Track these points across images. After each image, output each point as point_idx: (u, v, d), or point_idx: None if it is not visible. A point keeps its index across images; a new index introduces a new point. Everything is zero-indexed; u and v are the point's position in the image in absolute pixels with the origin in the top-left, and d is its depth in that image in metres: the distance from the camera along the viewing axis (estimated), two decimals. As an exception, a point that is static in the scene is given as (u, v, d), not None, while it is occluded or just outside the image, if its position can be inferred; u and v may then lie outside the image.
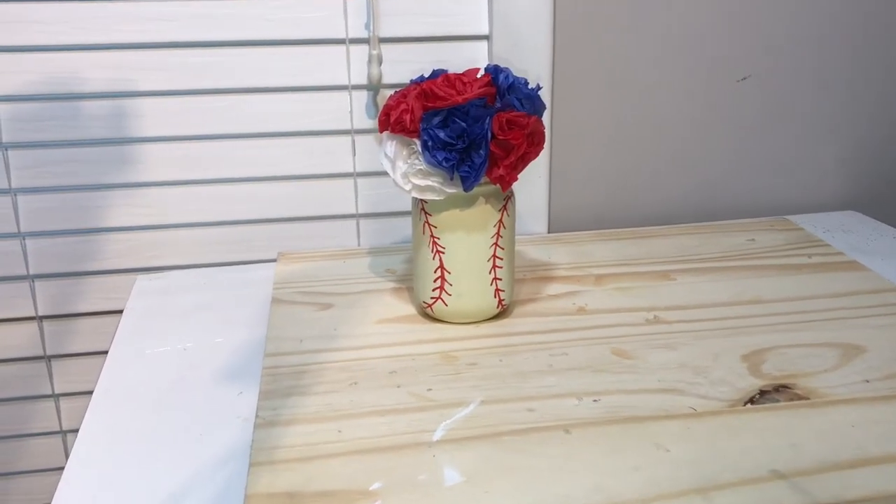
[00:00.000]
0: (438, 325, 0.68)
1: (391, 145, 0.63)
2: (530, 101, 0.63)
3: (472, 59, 0.81)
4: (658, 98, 0.88)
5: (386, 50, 0.79)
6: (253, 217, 0.84)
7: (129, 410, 0.60)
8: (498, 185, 0.63)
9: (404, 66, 0.80)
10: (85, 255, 0.82)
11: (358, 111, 0.82)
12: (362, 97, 0.81)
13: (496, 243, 0.66)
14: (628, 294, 0.73)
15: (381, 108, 0.76)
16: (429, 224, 0.65)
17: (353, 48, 0.79)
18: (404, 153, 0.63)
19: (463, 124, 0.60)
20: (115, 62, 0.76)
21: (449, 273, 0.66)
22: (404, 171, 0.63)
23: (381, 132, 0.65)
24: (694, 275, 0.77)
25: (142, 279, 0.81)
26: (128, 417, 0.59)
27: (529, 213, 0.87)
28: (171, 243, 0.83)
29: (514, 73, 0.64)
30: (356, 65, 0.79)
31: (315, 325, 0.69)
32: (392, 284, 0.76)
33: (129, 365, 0.66)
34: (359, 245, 0.87)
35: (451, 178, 0.62)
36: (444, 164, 0.61)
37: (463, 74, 0.63)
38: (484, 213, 0.64)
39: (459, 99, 0.60)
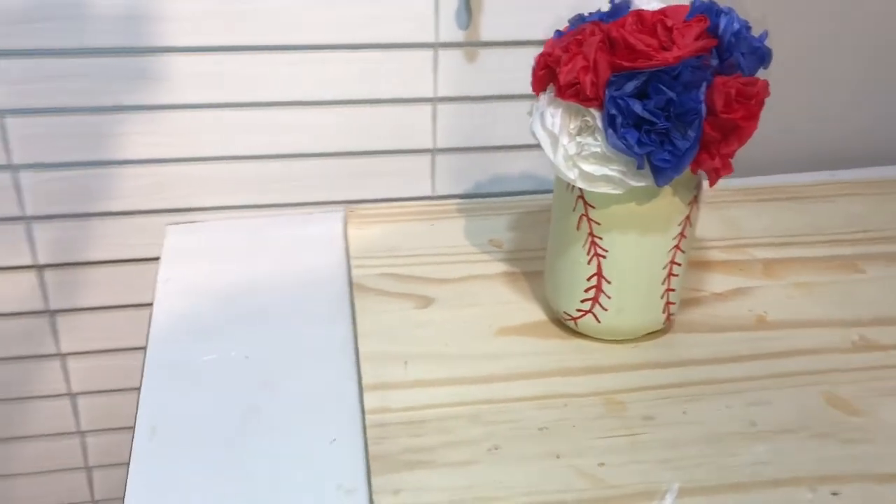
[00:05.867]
0: (584, 343, 0.52)
1: (555, 114, 0.44)
2: (757, 56, 0.44)
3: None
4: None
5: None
6: (301, 150, 0.66)
7: (184, 453, 0.44)
8: (699, 174, 0.45)
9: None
10: (94, 193, 0.66)
11: (445, 17, 0.62)
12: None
13: (677, 246, 0.48)
14: (814, 295, 0.57)
15: (472, 12, 0.56)
16: (589, 219, 0.47)
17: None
18: (573, 127, 0.44)
19: (671, 94, 0.41)
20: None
21: (608, 283, 0.49)
22: (572, 152, 0.44)
23: (538, 91, 0.46)
24: (887, 265, 0.60)
25: (172, 232, 0.66)
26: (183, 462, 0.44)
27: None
28: (203, 180, 0.67)
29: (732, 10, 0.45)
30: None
31: (418, 336, 0.52)
32: (503, 267, 0.59)
33: (176, 385, 0.50)
34: (433, 187, 0.69)
35: (640, 167, 0.43)
36: (636, 148, 0.42)
37: (663, 12, 0.44)
38: (670, 208, 0.47)
39: (669, 57, 0.41)
